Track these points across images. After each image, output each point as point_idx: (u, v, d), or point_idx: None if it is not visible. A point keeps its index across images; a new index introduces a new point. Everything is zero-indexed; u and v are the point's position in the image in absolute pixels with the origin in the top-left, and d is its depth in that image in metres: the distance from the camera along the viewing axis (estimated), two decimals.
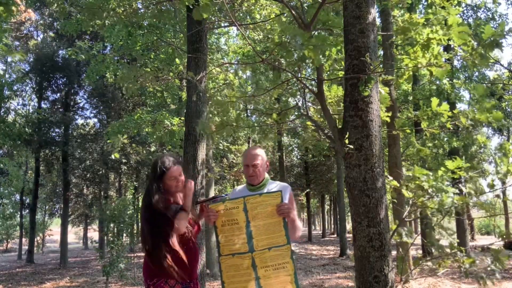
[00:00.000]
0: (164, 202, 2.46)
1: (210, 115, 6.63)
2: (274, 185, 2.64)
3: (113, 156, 8.58)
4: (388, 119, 3.81)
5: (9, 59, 19.96)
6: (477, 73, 14.44)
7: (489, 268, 2.64)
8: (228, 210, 2.42)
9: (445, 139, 12.27)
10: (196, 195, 5.90)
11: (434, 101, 3.07)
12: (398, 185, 3.23)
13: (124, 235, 11.61)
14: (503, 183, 3.32)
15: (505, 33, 2.24)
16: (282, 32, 2.91)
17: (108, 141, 9.49)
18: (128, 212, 10.76)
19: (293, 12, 3.19)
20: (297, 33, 2.58)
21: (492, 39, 2.28)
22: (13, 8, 4.66)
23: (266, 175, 2.69)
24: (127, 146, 16.65)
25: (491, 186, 2.84)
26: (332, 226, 38.96)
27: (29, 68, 19.19)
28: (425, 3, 13.16)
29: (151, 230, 2.44)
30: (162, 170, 2.49)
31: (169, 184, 2.53)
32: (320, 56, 2.61)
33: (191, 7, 5.28)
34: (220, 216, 2.42)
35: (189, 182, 2.55)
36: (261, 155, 2.63)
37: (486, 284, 2.59)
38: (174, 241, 2.40)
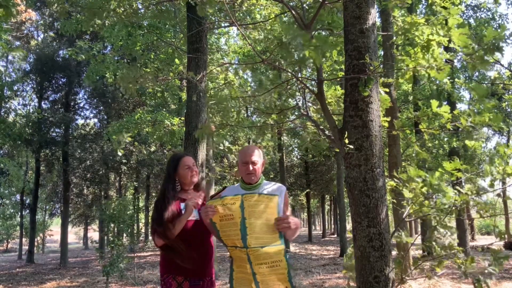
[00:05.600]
0: (173, 200, 2.59)
1: (210, 115, 6.64)
2: (269, 185, 2.62)
3: (119, 153, 8.57)
4: (386, 124, 3.81)
5: (9, 58, 19.97)
6: (477, 73, 14.45)
7: (486, 271, 2.64)
8: (226, 206, 2.44)
9: (445, 139, 12.29)
10: None
11: (434, 103, 3.07)
12: (394, 185, 3.23)
13: (124, 235, 11.61)
14: (503, 183, 3.32)
15: (506, 37, 2.24)
16: (282, 33, 2.91)
17: (113, 137, 9.49)
18: (128, 212, 10.75)
19: (293, 12, 3.19)
20: (298, 34, 2.58)
21: (493, 42, 2.27)
22: (13, 10, 4.67)
23: (262, 176, 2.69)
24: (129, 145, 16.66)
25: (490, 186, 2.84)
26: (332, 226, 38.96)
27: (29, 68, 19.20)
28: (425, 3, 13.17)
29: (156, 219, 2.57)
30: (175, 160, 2.69)
31: (183, 173, 2.67)
32: (321, 56, 2.60)
33: (193, 4, 5.28)
34: (218, 212, 2.44)
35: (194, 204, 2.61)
36: (260, 153, 2.62)
37: (481, 286, 2.59)
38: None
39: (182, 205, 2.59)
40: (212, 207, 2.44)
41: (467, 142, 3.07)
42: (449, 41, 3.17)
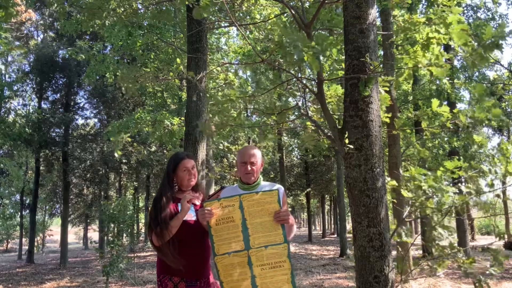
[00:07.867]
0: (171, 200, 2.56)
1: (210, 115, 6.65)
2: (267, 186, 2.62)
3: (116, 154, 8.55)
4: (388, 120, 3.80)
5: (9, 59, 19.96)
6: (477, 73, 14.43)
7: (487, 272, 2.63)
8: (223, 208, 2.40)
9: (445, 139, 12.28)
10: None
11: (435, 102, 3.07)
12: (396, 184, 3.23)
13: (124, 235, 11.62)
14: (503, 183, 3.32)
15: (505, 34, 2.23)
16: (282, 34, 2.90)
17: (112, 138, 9.47)
18: (128, 212, 10.76)
19: (293, 12, 3.19)
20: (296, 37, 2.56)
21: (492, 40, 2.27)
22: (12, 10, 4.69)
23: (260, 176, 2.69)
24: (128, 146, 16.65)
25: (491, 185, 2.84)
26: (332, 226, 38.94)
27: (29, 68, 19.19)
28: (425, 3, 13.16)
29: (152, 221, 2.55)
30: (175, 161, 2.63)
31: (181, 175, 2.63)
32: (321, 57, 2.59)
33: (191, 6, 5.27)
34: (215, 215, 2.41)
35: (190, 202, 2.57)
36: (259, 154, 2.62)
37: (482, 286, 2.58)
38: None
39: (180, 205, 2.58)
40: (210, 210, 2.40)
41: (474, 136, 3.05)
42: (449, 39, 3.16)
